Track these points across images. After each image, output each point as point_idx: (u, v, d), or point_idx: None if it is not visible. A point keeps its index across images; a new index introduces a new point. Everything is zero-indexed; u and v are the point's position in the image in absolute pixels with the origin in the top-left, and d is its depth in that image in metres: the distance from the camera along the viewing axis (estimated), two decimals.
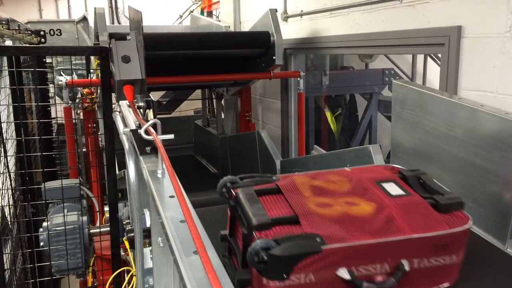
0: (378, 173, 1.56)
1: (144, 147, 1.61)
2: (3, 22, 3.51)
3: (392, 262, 1.28)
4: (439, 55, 3.04)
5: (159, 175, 1.45)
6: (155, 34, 3.09)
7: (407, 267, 1.28)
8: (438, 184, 1.51)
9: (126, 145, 1.73)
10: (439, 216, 1.35)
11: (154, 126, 1.46)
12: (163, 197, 1.30)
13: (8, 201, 3.11)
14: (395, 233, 1.27)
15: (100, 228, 2.32)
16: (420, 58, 5.18)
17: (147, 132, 1.45)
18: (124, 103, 2.46)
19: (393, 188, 1.44)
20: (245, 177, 1.46)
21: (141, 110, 1.79)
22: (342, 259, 1.23)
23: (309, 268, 1.21)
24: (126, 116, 2.24)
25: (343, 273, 1.23)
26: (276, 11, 3.38)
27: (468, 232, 1.37)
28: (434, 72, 4.87)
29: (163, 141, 1.42)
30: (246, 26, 4.96)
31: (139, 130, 1.67)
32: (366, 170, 1.61)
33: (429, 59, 5.05)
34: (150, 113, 1.72)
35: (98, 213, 3.02)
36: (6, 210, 3.24)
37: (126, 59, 1.76)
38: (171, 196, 1.28)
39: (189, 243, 1.04)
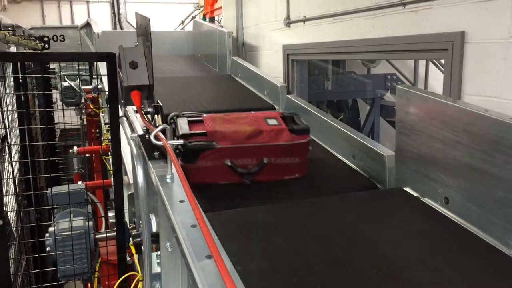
0: (269, 114, 2.42)
1: (153, 152, 1.62)
2: (9, 29, 3.54)
3: (257, 159, 2.20)
4: (442, 60, 3.05)
5: (168, 180, 1.47)
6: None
7: (266, 161, 2.21)
8: (302, 121, 2.38)
9: (134, 150, 1.74)
10: (290, 135, 2.25)
11: (163, 131, 1.47)
12: (173, 202, 1.31)
13: (13, 207, 3.11)
14: (260, 141, 2.20)
15: (106, 233, 2.32)
16: (422, 63, 5.19)
17: (156, 137, 1.46)
18: (130, 109, 2.48)
19: (272, 122, 2.31)
20: (185, 113, 2.35)
21: (149, 115, 1.80)
22: (227, 154, 2.16)
23: (208, 158, 2.13)
24: (133, 121, 2.25)
25: (228, 162, 2.16)
26: (287, 87, 3.68)
27: (306, 145, 2.30)
28: (436, 77, 4.89)
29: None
30: (249, 32, 4.98)
31: (147, 136, 1.68)
32: (263, 113, 2.47)
33: (430, 64, 5.07)
34: (158, 119, 1.74)
35: (103, 218, 3.02)
36: (11, 215, 3.24)
37: (133, 65, 1.78)
38: (181, 201, 1.29)
39: (200, 247, 1.05)
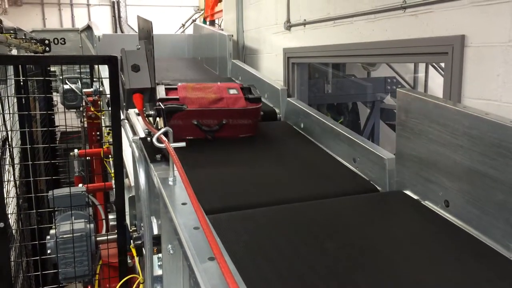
0: (231, 85, 2.94)
1: (155, 154, 1.63)
2: (11, 32, 3.55)
3: (218, 120, 2.72)
4: (442, 63, 3.06)
5: (171, 183, 1.47)
6: None
7: (224, 122, 2.73)
8: (257, 92, 2.93)
9: (136, 153, 1.75)
10: (246, 102, 2.77)
11: (165, 134, 1.48)
12: (175, 204, 1.31)
13: (15, 209, 3.11)
14: (221, 106, 2.72)
15: (107, 236, 2.33)
16: (421, 66, 5.21)
17: (159, 140, 1.47)
18: (132, 112, 2.49)
19: (233, 91, 2.82)
20: (164, 82, 2.79)
21: (151, 118, 1.81)
22: (194, 115, 2.66)
23: (179, 118, 2.56)
24: (134, 124, 2.26)
25: (194, 121, 2.66)
26: (287, 90, 3.72)
27: (258, 110, 2.87)
28: (435, 80, 4.90)
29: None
30: (249, 35, 5.00)
31: (148, 138, 1.69)
32: (226, 84, 2.96)
33: (430, 67, 5.08)
34: (160, 121, 1.74)
35: (103, 221, 3.02)
36: (12, 218, 3.24)
37: (135, 68, 1.79)
38: (183, 203, 1.29)
39: (203, 249, 1.06)
